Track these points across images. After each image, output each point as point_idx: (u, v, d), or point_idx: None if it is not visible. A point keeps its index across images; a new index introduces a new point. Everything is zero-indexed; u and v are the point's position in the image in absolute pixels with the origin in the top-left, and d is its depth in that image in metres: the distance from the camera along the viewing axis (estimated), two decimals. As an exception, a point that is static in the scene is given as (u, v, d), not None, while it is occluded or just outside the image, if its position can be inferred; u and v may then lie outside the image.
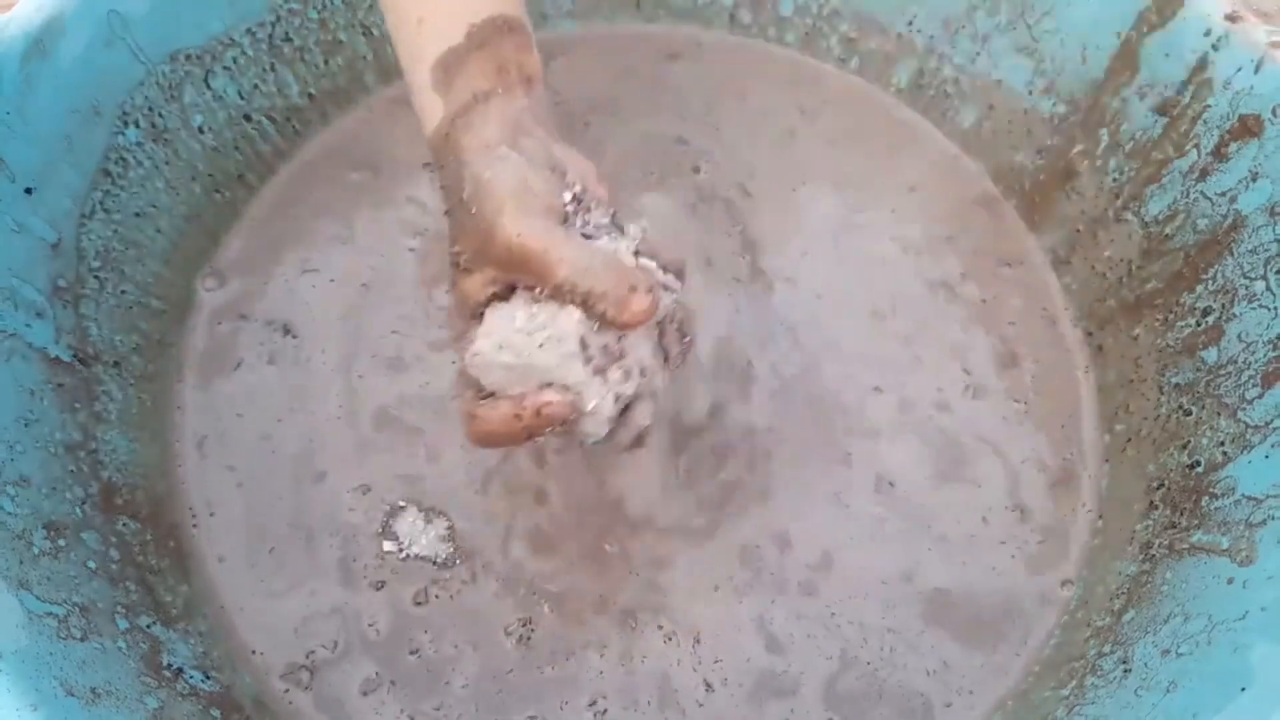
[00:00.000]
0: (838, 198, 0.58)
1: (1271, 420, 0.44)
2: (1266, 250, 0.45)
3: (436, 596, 0.47)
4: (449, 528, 0.48)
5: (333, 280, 0.55)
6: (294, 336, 0.53)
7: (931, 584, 0.48)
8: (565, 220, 0.36)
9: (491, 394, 0.36)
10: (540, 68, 0.39)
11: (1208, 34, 0.46)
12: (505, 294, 0.36)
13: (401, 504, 0.49)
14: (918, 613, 0.47)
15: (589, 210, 0.37)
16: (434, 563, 0.47)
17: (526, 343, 0.35)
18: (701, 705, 0.45)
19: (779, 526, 0.49)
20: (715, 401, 0.50)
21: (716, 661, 0.46)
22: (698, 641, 0.46)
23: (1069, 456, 0.51)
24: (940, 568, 0.48)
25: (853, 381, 0.53)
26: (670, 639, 0.46)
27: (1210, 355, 0.47)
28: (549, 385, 0.35)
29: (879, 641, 0.47)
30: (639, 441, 0.39)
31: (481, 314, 0.36)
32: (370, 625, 0.46)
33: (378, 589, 0.47)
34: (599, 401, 0.36)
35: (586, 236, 0.36)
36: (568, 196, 0.36)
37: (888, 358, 0.53)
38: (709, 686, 0.45)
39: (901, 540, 0.49)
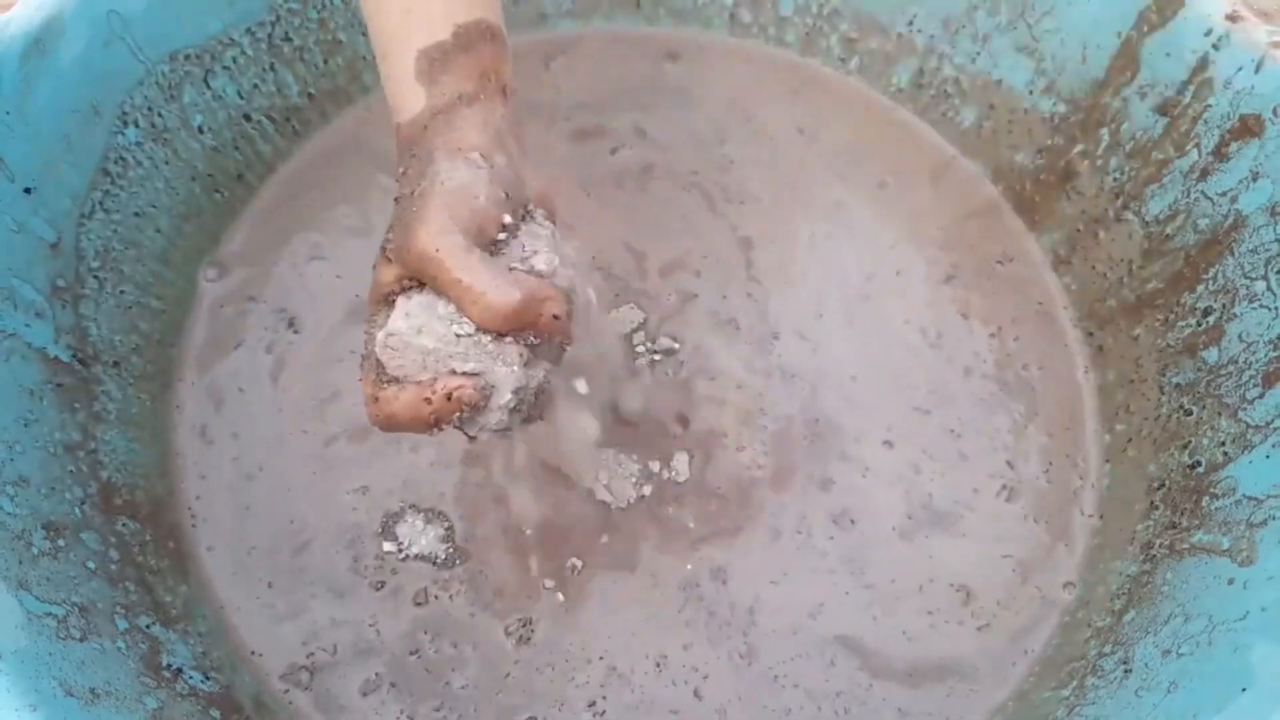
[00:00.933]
0: (848, 248, 0.57)
1: (1272, 420, 0.43)
2: (1267, 250, 0.45)
3: (436, 597, 0.47)
4: (448, 528, 0.48)
5: (339, 276, 0.55)
6: (296, 331, 0.53)
7: (834, 629, 0.47)
8: (494, 245, 0.36)
9: (395, 379, 0.35)
10: (513, 81, 0.40)
11: (1208, 34, 0.46)
12: (418, 287, 0.36)
13: (401, 505, 0.49)
14: (857, 666, 0.46)
15: (533, 232, 0.37)
16: (434, 563, 0.47)
17: (447, 330, 0.35)
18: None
19: (720, 558, 0.48)
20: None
21: (705, 677, 0.46)
22: (686, 649, 0.46)
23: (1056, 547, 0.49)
24: (848, 614, 0.47)
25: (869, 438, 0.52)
26: (660, 664, 0.46)
27: (1211, 355, 0.47)
28: (458, 373, 0.35)
29: (831, 705, 0.45)
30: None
31: (392, 301, 0.36)
32: (370, 625, 0.46)
33: (378, 589, 0.47)
34: (511, 395, 0.35)
35: (523, 257, 0.36)
36: (507, 219, 0.36)
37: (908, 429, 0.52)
38: (698, 696, 0.45)
39: (825, 577, 0.48)
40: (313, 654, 0.46)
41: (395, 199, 0.37)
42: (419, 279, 0.35)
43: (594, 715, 0.45)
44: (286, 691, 0.45)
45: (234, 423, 0.51)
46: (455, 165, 0.35)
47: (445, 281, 0.34)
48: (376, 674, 0.45)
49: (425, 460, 0.50)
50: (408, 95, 0.37)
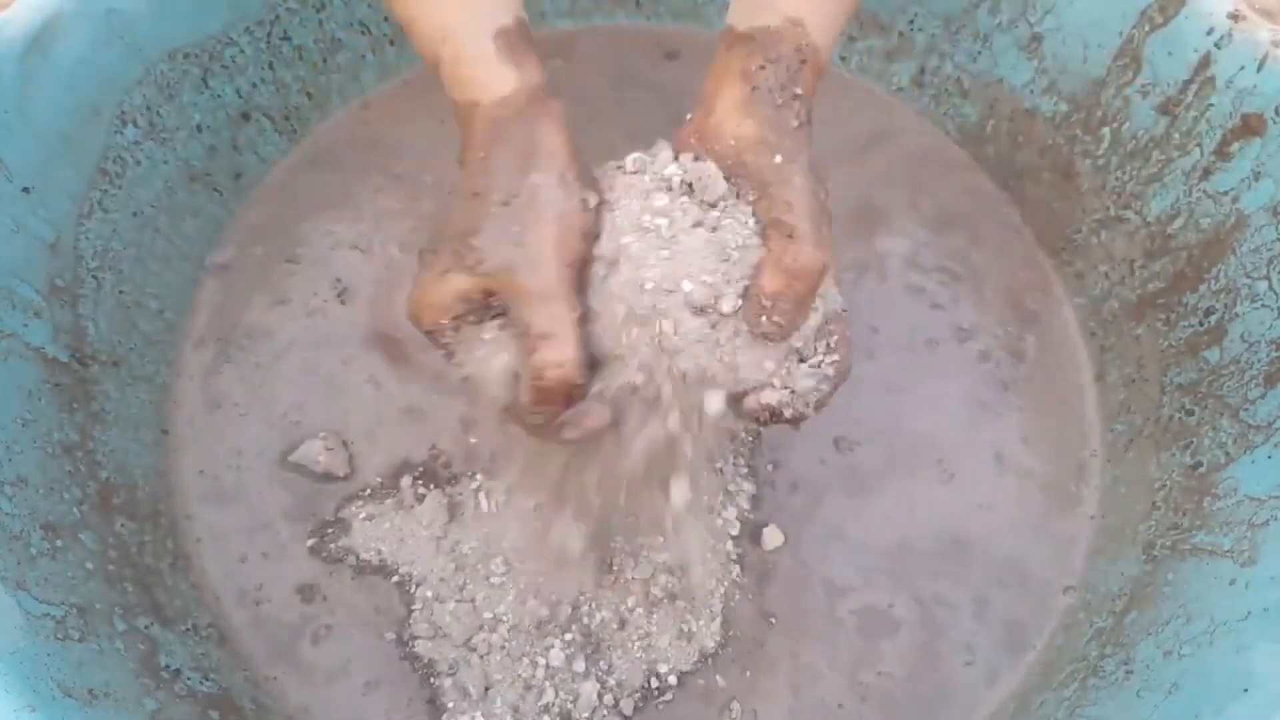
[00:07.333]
0: (840, 245, 0.56)
1: (1274, 420, 0.43)
2: (1269, 249, 0.45)
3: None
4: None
5: (339, 279, 0.54)
6: (343, 303, 0.53)
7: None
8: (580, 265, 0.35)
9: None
10: None
11: (1210, 33, 0.46)
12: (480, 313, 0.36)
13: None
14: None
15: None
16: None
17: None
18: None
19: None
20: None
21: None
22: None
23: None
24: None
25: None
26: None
27: (1213, 355, 0.47)
28: None
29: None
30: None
31: (467, 319, 0.36)
32: (370, 624, 0.46)
33: (375, 589, 0.47)
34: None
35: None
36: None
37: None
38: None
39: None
40: (314, 658, 0.46)
41: (466, 189, 0.35)
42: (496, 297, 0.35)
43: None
44: (286, 692, 0.45)
45: (232, 424, 0.51)
46: (556, 183, 0.35)
47: (522, 315, 0.34)
48: (378, 674, 0.45)
49: (444, 449, 0.50)
50: (493, 74, 0.36)
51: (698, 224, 0.35)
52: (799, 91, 0.37)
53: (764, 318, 0.34)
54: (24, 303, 0.44)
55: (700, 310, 0.34)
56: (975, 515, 0.50)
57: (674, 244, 0.34)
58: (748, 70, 0.37)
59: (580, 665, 0.44)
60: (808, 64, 0.37)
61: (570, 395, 0.34)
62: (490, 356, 0.35)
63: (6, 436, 0.41)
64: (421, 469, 0.49)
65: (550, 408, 0.34)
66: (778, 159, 0.35)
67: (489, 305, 0.35)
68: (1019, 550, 0.49)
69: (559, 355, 0.33)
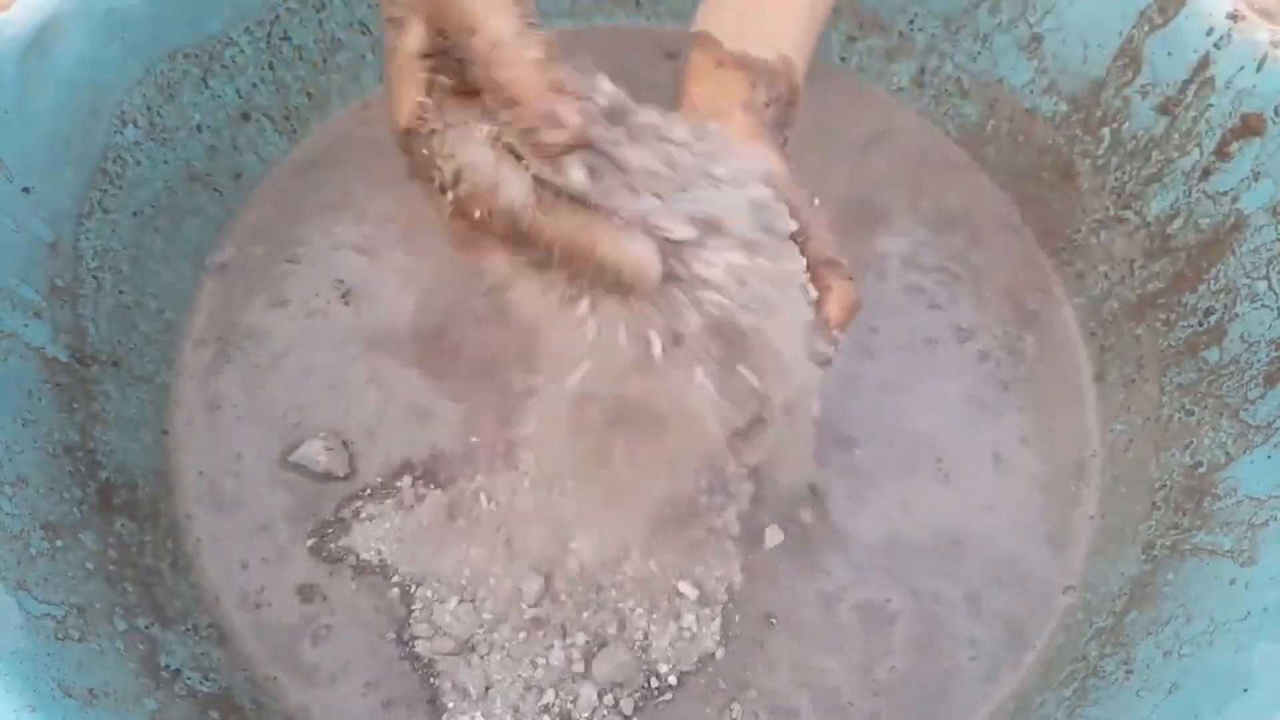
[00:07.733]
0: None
1: (1274, 420, 0.43)
2: (1269, 250, 0.45)
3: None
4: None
5: (341, 280, 0.54)
6: (346, 304, 0.53)
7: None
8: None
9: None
10: None
11: (1210, 33, 0.46)
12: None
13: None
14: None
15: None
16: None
17: None
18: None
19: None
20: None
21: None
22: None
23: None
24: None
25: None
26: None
27: (1212, 355, 0.47)
28: None
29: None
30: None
31: (429, 81, 0.31)
32: (370, 624, 0.46)
33: (375, 589, 0.47)
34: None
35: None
36: None
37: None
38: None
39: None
40: (314, 657, 0.46)
41: None
42: (443, 32, 0.30)
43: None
44: (286, 693, 0.45)
45: (232, 424, 0.51)
46: None
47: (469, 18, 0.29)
48: (378, 675, 0.45)
49: (445, 452, 0.50)
50: None
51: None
52: (787, 135, 0.37)
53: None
54: (24, 303, 0.44)
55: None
56: (975, 515, 0.50)
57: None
58: (752, 103, 0.37)
59: (580, 666, 0.44)
60: (793, 106, 0.37)
61: (550, 88, 0.30)
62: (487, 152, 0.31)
63: (6, 436, 0.41)
64: (421, 469, 0.49)
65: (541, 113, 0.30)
66: (816, 200, 0.36)
67: (454, 64, 0.31)
68: (1019, 550, 0.49)
69: (498, 27, 0.29)
